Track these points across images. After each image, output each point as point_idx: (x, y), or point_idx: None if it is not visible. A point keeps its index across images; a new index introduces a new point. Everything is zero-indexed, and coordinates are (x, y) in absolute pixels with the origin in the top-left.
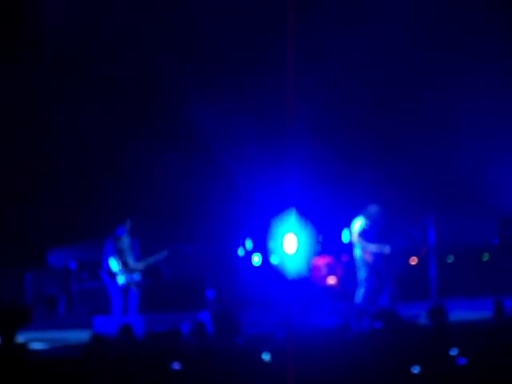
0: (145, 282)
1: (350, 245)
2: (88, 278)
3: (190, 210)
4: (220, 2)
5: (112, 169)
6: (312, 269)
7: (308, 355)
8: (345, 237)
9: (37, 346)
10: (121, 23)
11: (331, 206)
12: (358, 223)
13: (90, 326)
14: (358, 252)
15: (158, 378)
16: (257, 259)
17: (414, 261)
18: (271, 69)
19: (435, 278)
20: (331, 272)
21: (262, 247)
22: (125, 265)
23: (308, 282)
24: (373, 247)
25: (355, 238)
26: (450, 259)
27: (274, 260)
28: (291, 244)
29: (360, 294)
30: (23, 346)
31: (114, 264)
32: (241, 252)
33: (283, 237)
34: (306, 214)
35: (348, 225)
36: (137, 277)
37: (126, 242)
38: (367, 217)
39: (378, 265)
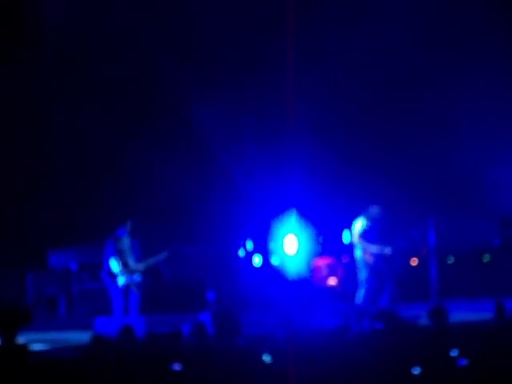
0: (145, 282)
1: (351, 246)
2: (88, 279)
3: (190, 211)
4: (220, 2)
5: (112, 169)
6: (312, 270)
7: (308, 356)
8: (345, 238)
9: (37, 346)
10: (121, 23)
11: (332, 207)
12: (359, 224)
13: (90, 327)
14: (358, 253)
15: (158, 378)
16: (257, 260)
17: (414, 262)
18: (271, 69)
19: (436, 278)
20: (332, 273)
21: (262, 248)
22: (125, 266)
23: (308, 283)
24: (373, 248)
25: (356, 238)
26: (451, 260)
27: (274, 261)
28: (292, 245)
29: (360, 294)
30: (24, 346)
31: (114, 265)
32: (241, 253)
33: (284, 238)
34: (307, 215)
35: (348, 226)
36: (137, 278)
37: (126, 242)
38: (368, 218)
39: (378, 266)
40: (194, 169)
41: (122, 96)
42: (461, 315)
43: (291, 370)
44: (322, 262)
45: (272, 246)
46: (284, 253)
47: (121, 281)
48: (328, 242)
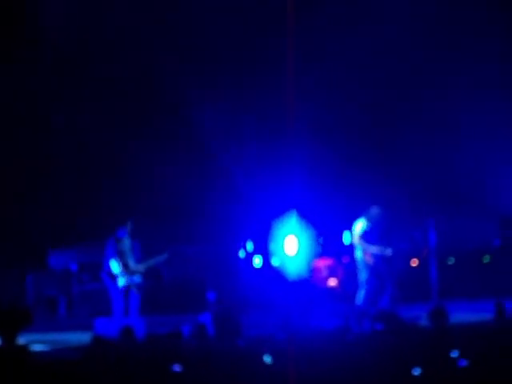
0: (145, 283)
1: (351, 247)
2: (89, 280)
3: (190, 212)
4: (220, 2)
5: (112, 169)
6: (313, 271)
7: (309, 357)
8: (345, 239)
9: (38, 347)
10: (121, 23)
11: (332, 208)
12: (360, 225)
13: (90, 328)
14: (358, 254)
15: (158, 379)
16: (257, 261)
17: (414, 263)
18: (271, 69)
19: (436, 279)
20: (332, 274)
21: (262, 249)
22: (125, 267)
23: (309, 284)
24: (374, 249)
25: (356, 239)
26: (451, 261)
27: (274, 262)
28: (292, 246)
29: (361, 295)
30: (24, 347)
31: (114, 266)
32: (241, 254)
33: (284, 239)
34: (307, 216)
35: (349, 227)
36: (137, 279)
37: (126, 243)
38: (368, 219)
39: (378, 267)
40: (193, 169)
41: (122, 96)
42: (461, 316)
43: (292, 371)
44: (323, 263)
45: (272, 246)
46: (284, 254)
47: (121, 282)
48: (328, 242)
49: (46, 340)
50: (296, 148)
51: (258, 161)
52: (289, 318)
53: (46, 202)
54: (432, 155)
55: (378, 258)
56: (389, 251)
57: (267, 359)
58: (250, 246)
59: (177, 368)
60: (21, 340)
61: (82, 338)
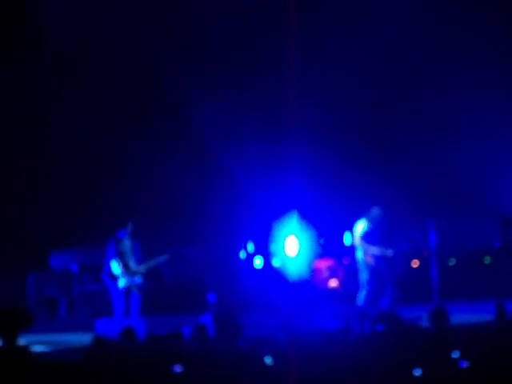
0: (146, 284)
1: (352, 247)
2: (89, 281)
3: (191, 213)
4: (220, 2)
5: (112, 169)
6: (313, 271)
7: (309, 358)
8: (346, 239)
9: (38, 348)
10: (121, 23)
11: (333, 209)
12: (361, 226)
13: (91, 329)
14: (359, 254)
15: (159, 380)
16: (258, 262)
17: (415, 263)
18: (271, 69)
19: (437, 280)
20: (333, 275)
21: (263, 250)
22: (126, 267)
23: (309, 285)
24: (375, 250)
25: (357, 240)
26: (452, 262)
27: (275, 263)
28: (293, 247)
29: (362, 296)
30: (25, 348)
31: (115, 267)
32: (242, 255)
33: (285, 239)
34: (308, 217)
35: (349, 227)
36: (138, 279)
37: (127, 244)
38: (369, 219)
39: (379, 267)
40: (194, 169)
41: (122, 96)
42: (462, 317)
43: (292, 372)
44: (323, 264)
45: (273, 247)
46: (285, 255)
47: (122, 283)
48: (329, 243)
49: (46, 341)
50: (296, 148)
51: (258, 161)
52: (289, 318)
53: (45, 202)
54: (432, 155)
55: (379, 259)
56: (390, 252)
57: (268, 360)
58: (250, 246)
59: (177, 369)
60: (21, 341)
61: (82, 338)
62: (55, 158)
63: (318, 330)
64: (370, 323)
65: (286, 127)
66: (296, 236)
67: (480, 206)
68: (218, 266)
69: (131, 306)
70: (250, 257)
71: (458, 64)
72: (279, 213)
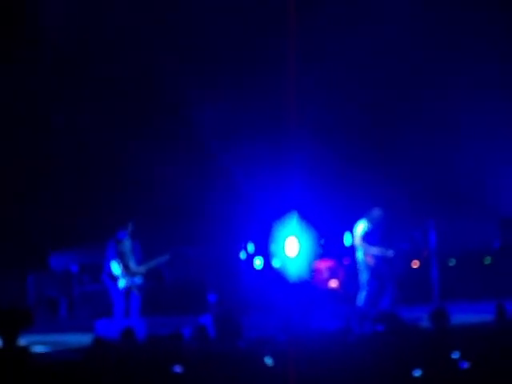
0: (146, 285)
1: (352, 248)
2: (90, 281)
3: (191, 213)
4: (220, 2)
5: (112, 169)
6: (314, 272)
7: (310, 358)
8: (346, 240)
9: (39, 349)
10: (121, 23)
11: (333, 209)
12: (361, 226)
13: (91, 329)
14: (359, 255)
15: (159, 381)
16: (258, 262)
17: (415, 264)
18: (271, 69)
19: (437, 281)
20: (333, 275)
21: (263, 250)
22: (126, 268)
23: (310, 285)
24: (375, 250)
25: (358, 241)
26: (452, 262)
27: (275, 263)
28: (293, 247)
29: (362, 297)
30: (25, 348)
31: (115, 267)
32: (242, 255)
33: (285, 240)
34: (308, 217)
35: (350, 228)
36: (138, 280)
37: (127, 245)
38: (370, 220)
39: (379, 268)
40: (194, 169)
41: (121, 96)
42: (462, 317)
43: (293, 373)
44: (323, 265)
45: (273, 248)
46: (285, 255)
47: (122, 283)
48: (329, 244)
49: (46, 341)
50: (296, 148)
51: (258, 161)
52: (290, 319)
53: (46, 202)
54: (432, 155)
55: (379, 260)
56: (390, 253)
57: (268, 361)
58: (250, 247)
59: (177, 369)
60: (21, 341)
61: (82, 339)
62: (55, 157)
63: (318, 330)
64: (370, 324)
65: (286, 127)
66: (296, 236)
67: (480, 206)
68: (218, 266)
69: (131, 306)
70: (250, 257)
71: (458, 64)
72: (279, 213)
